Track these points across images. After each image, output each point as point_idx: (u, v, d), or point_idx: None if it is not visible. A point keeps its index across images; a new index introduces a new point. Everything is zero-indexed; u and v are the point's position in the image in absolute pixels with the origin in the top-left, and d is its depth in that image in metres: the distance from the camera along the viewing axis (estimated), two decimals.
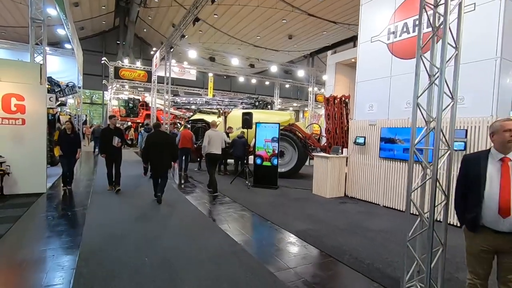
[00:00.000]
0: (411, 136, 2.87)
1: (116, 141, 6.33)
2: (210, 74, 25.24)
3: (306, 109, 30.01)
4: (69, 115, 14.30)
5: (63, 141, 6.31)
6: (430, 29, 2.92)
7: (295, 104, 33.22)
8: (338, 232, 4.51)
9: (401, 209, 5.87)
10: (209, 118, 13.73)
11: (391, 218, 5.39)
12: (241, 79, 27.03)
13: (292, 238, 4.25)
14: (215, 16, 23.86)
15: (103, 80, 26.60)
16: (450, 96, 2.71)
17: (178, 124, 16.38)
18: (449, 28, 2.66)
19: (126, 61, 24.70)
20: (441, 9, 2.78)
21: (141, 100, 22.24)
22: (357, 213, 5.70)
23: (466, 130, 4.92)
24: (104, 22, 30.13)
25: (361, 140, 6.80)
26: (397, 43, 6.31)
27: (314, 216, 5.33)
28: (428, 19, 2.85)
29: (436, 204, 2.72)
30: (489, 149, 2.25)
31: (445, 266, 2.71)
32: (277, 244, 4.09)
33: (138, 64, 25.13)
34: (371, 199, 6.60)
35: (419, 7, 2.84)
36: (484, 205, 2.12)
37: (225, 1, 20.65)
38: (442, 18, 2.73)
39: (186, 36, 12.18)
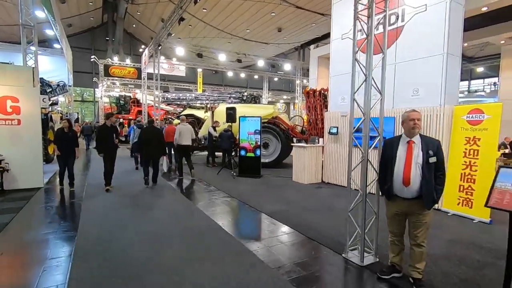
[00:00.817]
0: (349, 125, 3.45)
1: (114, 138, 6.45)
2: (199, 70, 25.53)
3: (296, 101, 30.59)
4: (60, 113, 14.59)
5: (60, 140, 6.17)
6: (392, 27, 3.48)
7: (285, 97, 33.73)
8: (306, 211, 5.13)
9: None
10: (198, 113, 14.27)
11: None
12: (230, 73, 27.34)
13: (264, 217, 4.86)
14: (204, 10, 24.02)
15: (94, 78, 26.70)
16: (379, 92, 3.29)
17: (170, 119, 16.83)
18: (376, 38, 3.21)
19: (116, 59, 24.81)
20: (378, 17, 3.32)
21: (132, 97, 22.51)
22: (328, 196, 6.34)
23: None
24: (92, 19, 29.97)
25: (334, 130, 7.40)
26: (363, 40, 6.85)
27: (288, 199, 5.95)
28: (362, 28, 3.39)
29: (371, 180, 3.34)
30: (401, 135, 2.85)
31: (378, 230, 3.33)
32: (250, 222, 4.69)
33: (128, 61, 25.29)
34: (344, 184, 7.24)
35: (353, 19, 3.38)
36: (394, 178, 2.73)
37: None
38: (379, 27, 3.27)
39: (173, 34, 12.52)
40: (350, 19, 7.18)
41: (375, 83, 3.33)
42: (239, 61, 20.23)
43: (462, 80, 29.82)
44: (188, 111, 15.56)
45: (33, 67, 6.58)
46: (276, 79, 29.06)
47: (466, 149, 4.99)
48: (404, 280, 2.85)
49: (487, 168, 4.70)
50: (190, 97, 16.93)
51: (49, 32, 12.25)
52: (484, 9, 8.42)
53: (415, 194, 2.63)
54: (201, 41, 30.47)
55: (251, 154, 8.50)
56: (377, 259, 3.27)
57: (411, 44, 5.82)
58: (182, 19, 10.39)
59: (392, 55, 6.17)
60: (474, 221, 4.72)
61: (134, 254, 3.36)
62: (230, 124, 9.40)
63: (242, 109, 10.46)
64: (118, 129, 6.82)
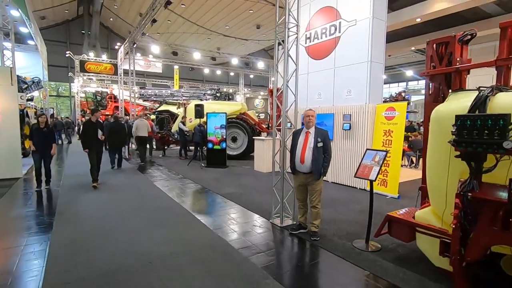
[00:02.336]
0: (273, 120, 4.44)
1: (100, 134, 6.42)
2: (176, 67, 25.94)
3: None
4: (34, 108, 14.79)
5: (35, 136, 5.94)
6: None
7: (262, 93, 34.73)
8: (256, 193, 6.13)
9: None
10: (174, 109, 14.98)
11: None
12: (206, 70, 27.94)
13: (219, 197, 5.84)
14: (183, 6, 24.31)
15: (69, 73, 26.49)
16: (294, 94, 4.30)
17: (148, 115, 17.40)
18: (289, 54, 4.19)
19: (92, 54, 24.76)
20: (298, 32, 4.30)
21: (109, 92, 22.70)
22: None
23: (350, 115, 6.67)
24: (66, 11, 29.34)
25: (289, 125, 8.42)
26: (311, 46, 7.91)
27: (244, 184, 6.94)
28: (281, 42, 4.35)
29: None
30: (303, 127, 3.87)
31: (295, 201, 4.37)
32: (206, 201, 5.65)
33: (105, 57, 25.28)
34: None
35: (275, 38, 4.34)
36: (295, 159, 3.75)
37: None
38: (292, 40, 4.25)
39: (152, 26, 13.04)
40: (301, 27, 8.22)
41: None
42: (213, 59, 20.91)
43: (413, 80, 32.55)
44: (164, 107, 16.25)
45: (10, 67, 7.14)
46: (251, 76, 29.93)
47: (384, 139, 6.16)
48: (307, 234, 3.90)
49: (396, 155, 5.89)
50: (166, 94, 17.52)
51: (23, 30, 12.46)
52: (418, 20, 9.72)
53: (309, 169, 3.66)
54: (180, 37, 30.73)
55: (217, 147, 9.41)
56: (294, 222, 4.31)
57: (346, 52, 6.91)
58: (154, 20, 11.03)
59: (332, 60, 7.25)
60: (387, 197, 5.90)
61: (103, 223, 4.23)
62: (204, 120, 10.24)
63: (212, 106, 11.34)
64: (102, 124, 6.93)
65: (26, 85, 11.31)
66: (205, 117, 9.58)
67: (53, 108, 26.73)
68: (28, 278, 2.81)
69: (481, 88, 2.52)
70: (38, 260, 3.14)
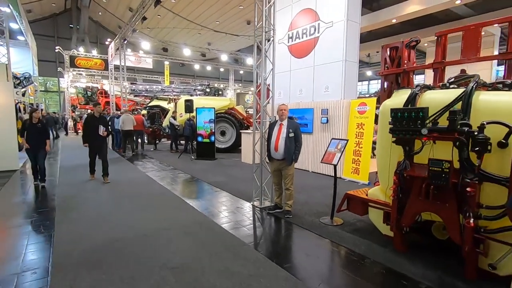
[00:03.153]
0: (254, 115, 4.98)
1: (101, 130, 6.15)
2: (166, 63, 26.11)
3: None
4: (23, 104, 14.91)
5: (29, 132, 5.75)
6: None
7: (253, 89, 35.16)
8: (240, 181, 6.67)
9: (304, 169, 8.21)
10: (165, 104, 15.35)
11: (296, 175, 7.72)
12: (197, 66, 28.19)
13: (206, 185, 6.38)
14: (173, 1, 24.36)
15: (58, 68, 26.34)
16: (272, 89, 4.84)
17: (139, 110, 17.71)
18: (266, 56, 4.71)
19: (81, 50, 24.70)
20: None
21: (99, 88, 22.80)
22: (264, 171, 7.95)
23: (328, 109, 7.26)
24: (54, 5, 28.92)
25: (273, 119, 8.98)
26: (293, 45, 8.45)
27: (231, 174, 7.48)
28: (259, 46, 4.86)
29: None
30: (277, 120, 4.43)
31: (272, 185, 4.94)
32: (194, 188, 6.18)
33: (94, 52, 25.24)
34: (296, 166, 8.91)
35: (254, 41, 4.85)
36: (271, 147, 4.31)
37: None
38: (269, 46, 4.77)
39: (143, 23, 13.33)
40: (284, 27, 8.75)
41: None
42: (203, 55, 21.23)
43: None
44: (155, 102, 16.58)
45: (6, 64, 7.46)
46: (241, 72, 30.32)
47: (357, 132, 6.77)
48: (282, 213, 4.48)
49: (367, 146, 6.52)
50: (157, 89, 17.83)
51: (14, 26, 12.57)
52: (394, 21, 10.36)
53: (282, 156, 4.22)
54: (170, 32, 30.74)
55: (206, 140, 9.92)
56: (272, 204, 4.88)
57: (324, 51, 7.48)
58: (144, 18, 11.36)
59: (312, 59, 7.80)
60: (358, 184, 6.54)
61: (100, 207, 4.72)
62: (193, 114, 10.70)
63: (202, 101, 11.79)
64: (107, 119, 6.64)
65: (18, 81, 11.53)
66: (194, 112, 10.04)
67: (41, 103, 26.60)
68: (40, 247, 3.31)
69: (413, 87, 3.11)
70: (46, 234, 3.63)
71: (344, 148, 4.13)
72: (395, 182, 3.09)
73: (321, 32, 7.49)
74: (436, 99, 2.88)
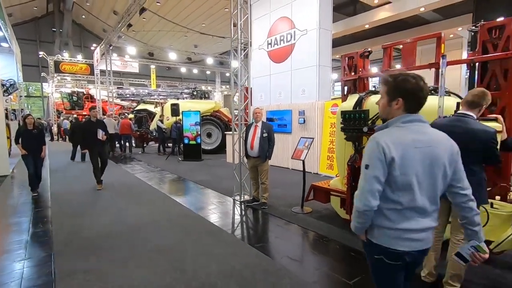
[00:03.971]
0: (232, 116, 5.49)
1: (100, 134, 6.04)
2: (152, 66, 26.28)
3: None
4: (5, 109, 14.90)
5: (25, 138, 5.61)
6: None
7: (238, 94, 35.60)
8: (224, 179, 7.16)
9: (272, 165, 8.77)
10: (152, 108, 15.68)
11: (273, 172, 8.27)
12: (183, 69, 28.47)
13: (191, 183, 6.85)
14: (158, 4, 24.48)
15: (42, 73, 26.08)
16: (250, 95, 5.37)
17: (126, 114, 17.93)
18: (242, 64, 5.23)
19: (66, 55, 24.59)
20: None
21: (85, 92, 22.81)
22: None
23: (304, 111, 7.85)
24: (35, 8, 28.50)
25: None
26: (272, 51, 9.02)
27: (215, 173, 7.97)
28: (235, 52, 5.38)
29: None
30: (253, 121, 4.96)
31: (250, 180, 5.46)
32: (181, 186, 6.64)
33: (79, 57, 25.16)
34: (275, 164, 9.44)
35: (231, 51, 5.37)
36: (247, 146, 4.84)
37: None
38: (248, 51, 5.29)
39: (123, 36, 13.64)
40: (263, 34, 9.31)
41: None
42: (189, 59, 21.59)
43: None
44: (141, 106, 16.88)
45: None
46: (228, 74, 30.74)
47: (330, 131, 7.38)
48: (259, 205, 5.01)
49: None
50: (143, 93, 18.10)
51: None
52: (367, 26, 11.10)
53: (257, 154, 4.76)
54: (156, 34, 30.81)
55: (193, 142, 10.37)
56: (250, 197, 5.41)
57: (300, 57, 8.07)
58: (129, 25, 11.71)
59: (289, 64, 8.39)
60: (332, 178, 7.13)
61: (93, 204, 5.13)
62: (179, 117, 11.12)
63: (188, 104, 12.22)
64: (105, 123, 6.63)
65: (5, 88, 11.66)
66: (181, 115, 10.47)
67: (26, 109, 26.27)
68: (41, 238, 3.72)
69: (362, 92, 3.70)
70: (45, 227, 4.04)
71: (310, 145, 4.69)
72: (348, 172, 3.67)
73: (297, 39, 8.08)
74: None
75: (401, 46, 4.07)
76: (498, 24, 3.14)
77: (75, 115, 17.43)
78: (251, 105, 10.40)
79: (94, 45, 22.26)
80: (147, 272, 2.87)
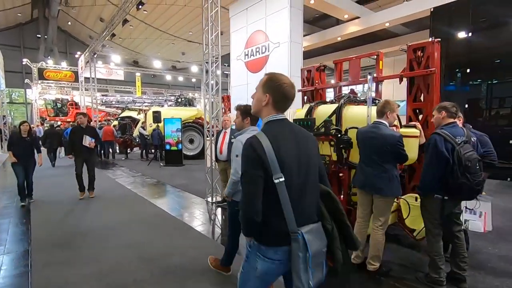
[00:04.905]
0: (204, 124, 5.92)
1: (88, 140, 5.79)
2: (138, 74, 26.46)
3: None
4: None
5: (17, 146, 5.38)
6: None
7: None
8: (201, 183, 7.44)
9: None
10: (135, 115, 15.91)
11: None
12: (169, 77, 28.78)
13: (169, 187, 7.20)
14: (145, 12, 24.70)
15: (26, 79, 25.86)
16: (222, 103, 5.82)
17: (110, 120, 18.09)
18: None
19: (50, 62, 24.50)
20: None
21: (70, 99, 22.78)
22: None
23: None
24: (20, 14, 28.26)
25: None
26: (249, 62, 9.55)
27: (194, 178, 8.32)
28: (205, 70, 5.84)
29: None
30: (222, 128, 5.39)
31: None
32: (159, 190, 6.99)
33: (64, 64, 25.12)
34: None
35: (203, 65, 5.83)
36: (217, 151, 5.26)
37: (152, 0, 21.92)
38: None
39: (107, 45, 13.91)
40: (241, 45, 9.84)
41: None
42: (174, 67, 21.96)
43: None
44: (126, 113, 17.08)
45: None
46: (212, 82, 31.20)
47: None
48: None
49: None
50: (128, 100, 18.31)
51: None
52: (339, 38, 11.84)
53: (225, 158, 5.17)
54: (142, 42, 31.03)
55: (174, 148, 10.70)
56: (222, 198, 5.81)
57: (273, 68, 8.62)
58: (113, 34, 12.05)
59: (263, 74, 8.89)
60: None
61: (71, 206, 5.42)
62: (157, 124, 11.43)
63: (171, 112, 12.57)
64: (97, 131, 6.34)
65: None
66: (162, 122, 10.81)
67: (9, 116, 25.91)
68: (20, 236, 4.02)
69: (312, 103, 4.21)
70: (24, 227, 4.33)
71: None
72: None
73: (271, 51, 8.63)
74: (324, 111, 3.98)
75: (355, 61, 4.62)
76: (421, 45, 3.71)
77: (52, 122, 17.47)
78: (230, 112, 10.88)
79: (79, 53, 22.35)
80: (115, 262, 3.23)
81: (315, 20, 12.74)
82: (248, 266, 1.51)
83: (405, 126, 3.40)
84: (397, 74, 3.85)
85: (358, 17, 10.69)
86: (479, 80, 7.45)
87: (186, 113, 12.66)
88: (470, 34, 7.40)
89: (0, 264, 3.24)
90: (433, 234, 2.64)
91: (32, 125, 7.84)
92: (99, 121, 16.97)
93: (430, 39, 3.76)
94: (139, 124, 12.65)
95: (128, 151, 13.89)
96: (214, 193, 5.83)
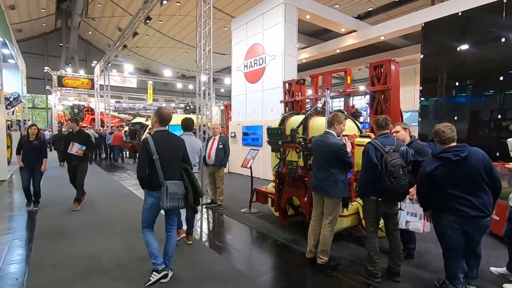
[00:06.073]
0: (198, 130, 6.43)
1: (75, 148, 5.37)
2: (150, 82, 27.58)
3: None
4: (10, 121, 15.97)
5: (24, 149, 5.33)
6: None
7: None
8: None
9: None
10: (146, 121, 16.72)
11: (238, 179, 9.13)
12: (179, 85, 29.81)
13: None
14: (160, 22, 25.95)
15: (47, 86, 27.47)
16: (210, 113, 6.32)
17: (123, 126, 19.06)
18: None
19: (69, 70, 25.96)
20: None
21: (86, 105, 24.03)
22: None
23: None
24: (44, 24, 30.06)
25: (233, 134, 10.49)
26: (248, 72, 10.07)
27: None
28: (200, 83, 6.38)
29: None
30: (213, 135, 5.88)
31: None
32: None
33: (82, 72, 26.55)
34: (241, 172, 10.31)
35: (196, 77, 6.37)
36: (206, 156, 5.74)
37: (167, 11, 23.06)
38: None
39: (127, 48, 14.80)
40: (241, 57, 10.38)
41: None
42: (184, 75, 22.85)
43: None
44: (137, 119, 17.96)
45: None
46: (222, 90, 32.09)
47: None
48: (216, 206, 5.85)
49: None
50: (139, 107, 19.24)
51: (5, 51, 13.93)
52: (337, 51, 12.22)
53: (213, 162, 5.65)
54: (158, 51, 32.40)
55: None
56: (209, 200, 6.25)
57: (269, 79, 9.09)
58: (125, 46, 12.91)
59: (261, 84, 9.40)
60: None
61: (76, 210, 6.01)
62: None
63: (175, 119, 13.20)
64: (89, 137, 5.97)
65: (8, 101, 12.77)
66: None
67: (28, 120, 27.50)
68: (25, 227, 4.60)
69: (285, 114, 4.64)
70: (30, 218, 4.92)
71: (255, 155, 5.59)
72: (275, 177, 4.55)
73: (267, 63, 9.13)
74: (295, 121, 4.40)
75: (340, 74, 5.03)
76: (381, 63, 4.09)
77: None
78: (230, 120, 11.39)
79: (95, 62, 23.60)
80: (102, 250, 3.74)
81: (318, 33, 13.20)
82: (144, 203, 3.09)
83: (360, 136, 3.78)
84: (363, 90, 4.24)
85: (355, 31, 11.07)
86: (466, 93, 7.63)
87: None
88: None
89: (7, 247, 3.81)
90: (369, 232, 2.99)
91: (40, 129, 8.07)
92: (112, 127, 17.89)
93: (393, 58, 4.15)
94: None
95: (137, 156, 14.61)
96: (204, 195, 6.27)
